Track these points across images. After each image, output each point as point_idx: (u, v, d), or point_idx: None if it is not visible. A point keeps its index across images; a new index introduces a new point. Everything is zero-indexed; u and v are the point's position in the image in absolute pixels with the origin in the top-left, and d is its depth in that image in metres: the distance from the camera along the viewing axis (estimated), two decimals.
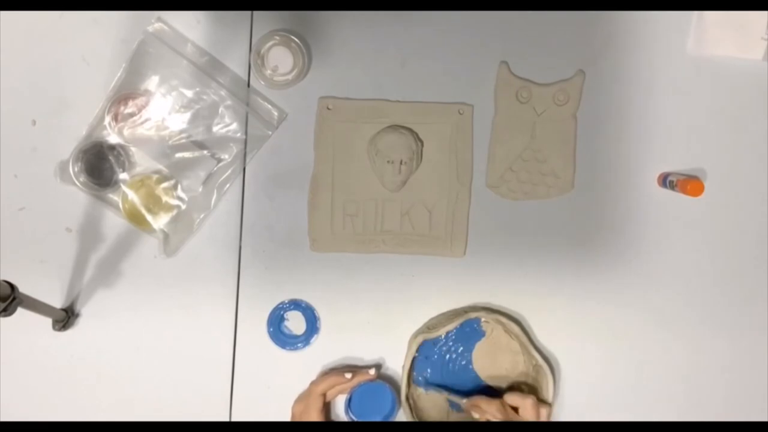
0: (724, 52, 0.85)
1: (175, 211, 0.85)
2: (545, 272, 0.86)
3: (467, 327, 0.86)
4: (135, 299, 0.86)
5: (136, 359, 0.86)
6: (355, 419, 0.83)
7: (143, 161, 0.84)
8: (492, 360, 0.86)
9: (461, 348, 0.87)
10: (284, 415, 0.85)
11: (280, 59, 0.83)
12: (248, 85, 0.85)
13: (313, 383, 0.83)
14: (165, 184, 0.84)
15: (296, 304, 0.86)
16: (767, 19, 0.84)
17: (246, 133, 0.85)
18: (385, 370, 0.87)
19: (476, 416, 0.80)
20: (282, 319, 0.86)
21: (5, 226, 0.85)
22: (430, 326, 0.85)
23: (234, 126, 0.84)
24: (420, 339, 0.84)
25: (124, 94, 0.83)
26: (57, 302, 0.85)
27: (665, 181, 0.84)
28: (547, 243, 0.86)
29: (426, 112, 0.85)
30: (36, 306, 0.75)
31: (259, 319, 0.86)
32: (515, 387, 0.86)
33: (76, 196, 0.84)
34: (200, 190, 0.85)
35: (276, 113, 0.85)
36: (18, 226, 0.85)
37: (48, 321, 0.83)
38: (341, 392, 0.83)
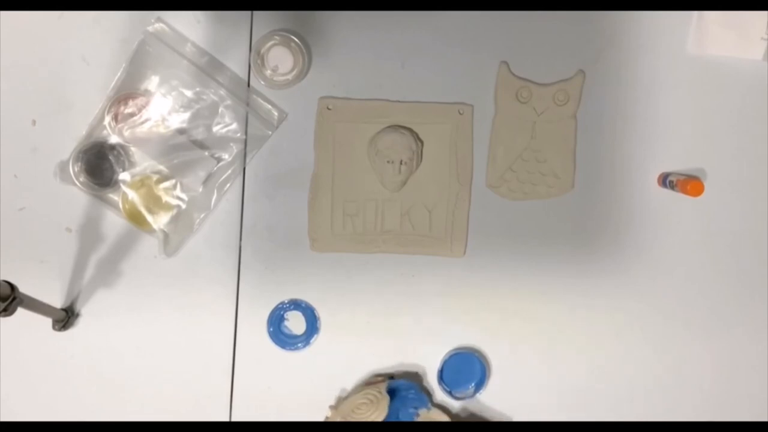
0: (724, 52, 0.85)
1: (175, 211, 0.84)
2: (545, 272, 0.86)
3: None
4: (135, 299, 0.85)
5: (136, 359, 0.86)
6: (449, 390, 0.85)
7: (143, 161, 0.84)
8: None
9: None
10: (284, 415, 0.85)
11: (280, 59, 0.83)
12: (248, 85, 0.85)
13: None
14: (165, 184, 0.84)
15: (296, 304, 0.86)
16: (767, 19, 0.84)
17: (246, 133, 0.85)
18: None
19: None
20: (282, 319, 0.86)
21: (5, 226, 0.85)
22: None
23: (234, 126, 0.84)
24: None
25: (124, 94, 0.83)
26: (57, 302, 0.85)
27: (665, 181, 0.84)
28: (547, 243, 0.86)
29: (426, 112, 0.85)
30: (36, 306, 0.75)
31: (259, 319, 0.86)
32: None
33: (76, 196, 0.84)
34: (200, 190, 0.85)
35: (276, 113, 0.85)
36: (18, 226, 0.85)
37: (48, 321, 0.83)
38: None
